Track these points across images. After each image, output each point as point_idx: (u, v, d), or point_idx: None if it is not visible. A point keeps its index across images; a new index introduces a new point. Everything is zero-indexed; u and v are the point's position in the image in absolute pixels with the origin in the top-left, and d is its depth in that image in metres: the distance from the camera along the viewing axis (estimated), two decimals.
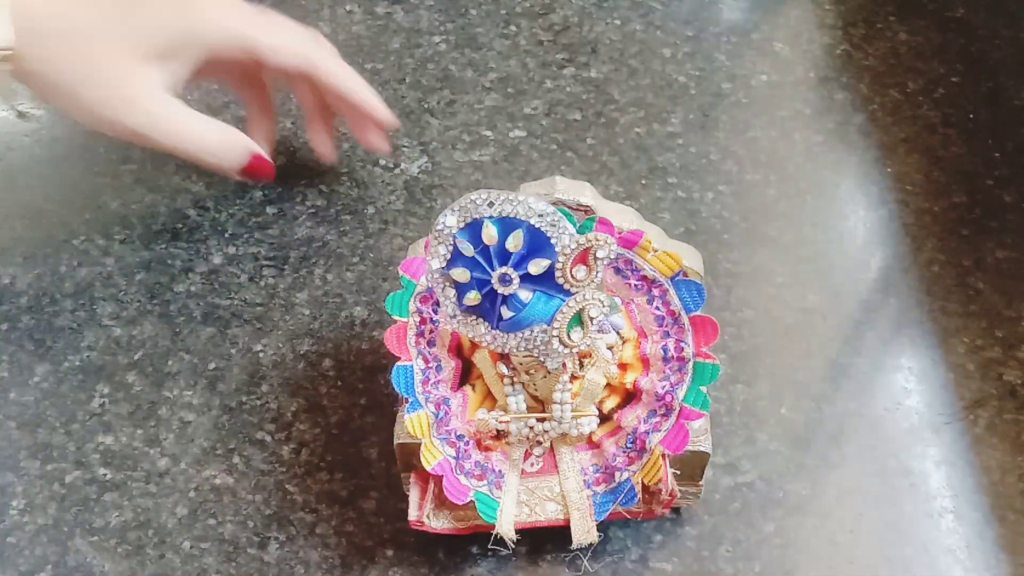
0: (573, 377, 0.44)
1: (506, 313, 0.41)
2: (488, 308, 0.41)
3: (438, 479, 0.44)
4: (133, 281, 0.56)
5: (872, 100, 0.65)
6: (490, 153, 0.62)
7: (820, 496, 0.49)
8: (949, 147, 0.62)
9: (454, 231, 0.40)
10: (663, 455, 0.44)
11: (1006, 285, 0.56)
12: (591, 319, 0.41)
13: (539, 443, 0.46)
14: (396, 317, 0.45)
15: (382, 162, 0.61)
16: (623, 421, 0.45)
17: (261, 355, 0.53)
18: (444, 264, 0.41)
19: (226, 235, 0.58)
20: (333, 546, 0.47)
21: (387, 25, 0.68)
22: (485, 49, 0.67)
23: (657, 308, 0.45)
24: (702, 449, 0.44)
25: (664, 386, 0.44)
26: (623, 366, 0.46)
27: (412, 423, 0.43)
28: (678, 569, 0.46)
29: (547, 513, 0.45)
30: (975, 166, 0.61)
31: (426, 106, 0.63)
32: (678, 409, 0.44)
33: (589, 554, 0.46)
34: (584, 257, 0.40)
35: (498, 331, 0.41)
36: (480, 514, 0.44)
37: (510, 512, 0.45)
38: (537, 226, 0.40)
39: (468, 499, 0.44)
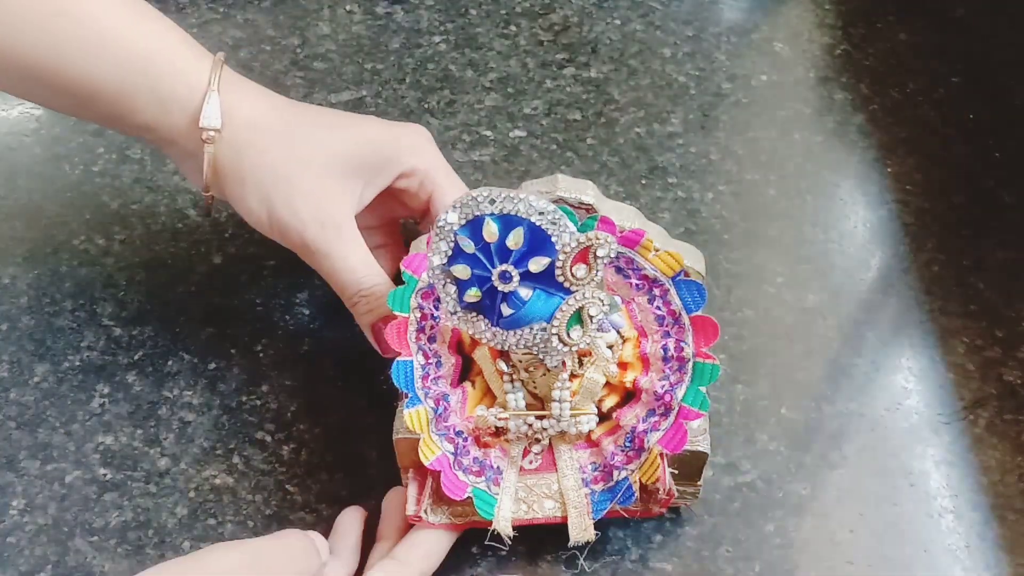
0: (572, 375, 0.44)
1: (506, 310, 0.41)
2: (488, 305, 0.41)
3: (436, 474, 0.44)
4: (133, 281, 0.56)
5: (872, 100, 0.65)
6: (490, 153, 0.62)
7: (820, 496, 0.49)
8: (949, 147, 0.62)
9: (455, 228, 0.40)
10: (661, 454, 0.44)
11: (1006, 285, 0.56)
12: (591, 317, 0.41)
13: (537, 440, 0.46)
14: (397, 313, 0.45)
15: None
16: (622, 420, 0.45)
17: (261, 355, 0.53)
18: (445, 261, 0.41)
19: (226, 235, 0.58)
20: None
21: (387, 25, 0.68)
22: (485, 49, 0.67)
23: (658, 307, 0.45)
24: (700, 449, 0.44)
25: (663, 385, 0.44)
26: (623, 365, 0.46)
27: (411, 418, 0.43)
28: (678, 569, 0.46)
29: (545, 511, 0.45)
30: (975, 166, 0.61)
31: (426, 106, 0.63)
32: (677, 409, 0.44)
33: (586, 552, 0.46)
34: (584, 255, 0.40)
35: (498, 328, 0.41)
36: (478, 510, 0.44)
37: (508, 509, 0.45)
38: (538, 224, 0.40)
39: (466, 495, 0.44)
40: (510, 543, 0.44)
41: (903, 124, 0.63)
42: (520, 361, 0.44)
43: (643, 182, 0.60)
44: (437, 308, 0.45)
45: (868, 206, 0.60)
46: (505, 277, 0.40)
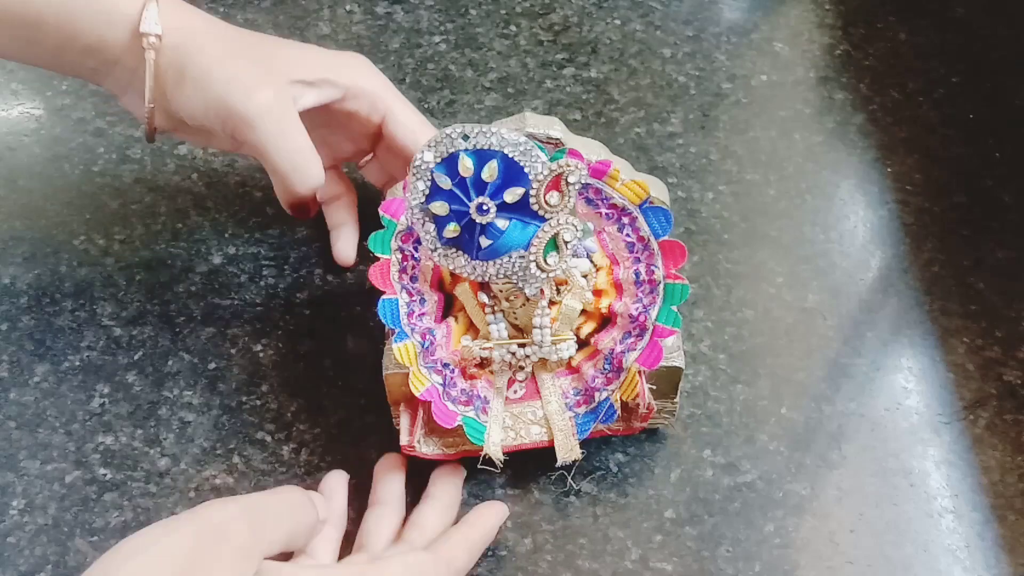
0: (551, 303, 0.46)
1: (484, 242, 0.43)
2: (467, 239, 0.43)
3: (427, 406, 0.45)
4: (133, 281, 0.56)
5: (872, 100, 0.65)
6: None
7: (820, 496, 0.49)
8: (949, 147, 0.62)
9: (431, 166, 0.42)
10: (639, 372, 0.45)
11: (1006, 285, 0.56)
12: (566, 243, 0.43)
13: (521, 368, 0.47)
14: (379, 255, 0.46)
15: None
16: (600, 344, 0.47)
17: (261, 355, 0.53)
18: (423, 199, 0.43)
19: (226, 235, 0.58)
20: None
21: (387, 25, 0.68)
22: (485, 49, 0.67)
23: (627, 235, 0.47)
24: (676, 364, 0.46)
25: (637, 308, 0.46)
26: (597, 292, 0.48)
27: (400, 352, 0.45)
28: (678, 569, 0.46)
29: (532, 436, 0.47)
30: (975, 166, 0.61)
31: (426, 106, 0.63)
32: (651, 328, 0.46)
33: (573, 472, 0.48)
34: (557, 183, 0.42)
35: (477, 260, 0.43)
36: (468, 437, 0.46)
37: (497, 435, 0.46)
38: (511, 156, 0.42)
39: (456, 423, 0.45)
40: (500, 467, 0.46)
41: (903, 124, 0.63)
42: (500, 291, 0.46)
43: None
44: (417, 249, 0.47)
45: (868, 206, 0.60)
46: (482, 209, 0.42)
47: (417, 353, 0.45)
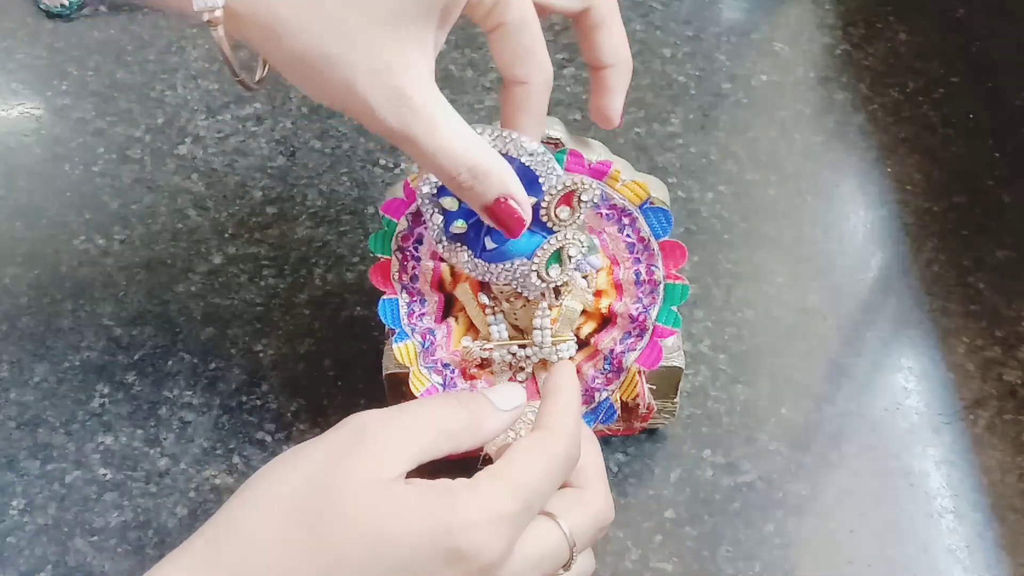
0: (551, 305, 0.46)
1: (489, 244, 0.42)
2: (473, 237, 0.43)
3: None
4: (133, 281, 0.56)
5: (872, 100, 0.65)
6: None
7: (820, 496, 0.49)
8: (949, 147, 0.62)
9: None
10: (639, 372, 0.45)
11: (1006, 285, 0.56)
12: (569, 257, 0.43)
13: (522, 369, 0.47)
14: (379, 255, 0.46)
15: (382, 162, 0.61)
16: (600, 344, 0.47)
17: (261, 355, 0.53)
18: (435, 191, 0.42)
19: (226, 235, 0.58)
20: None
21: None
22: (485, 49, 0.67)
23: (628, 236, 0.47)
24: (675, 364, 0.46)
25: (637, 308, 0.46)
26: (597, 293, 0.48)
27: (400, 352, 0.45)
28: (678, 569, 0.46)
29: None
30: (975, 166, 0.61)
31: None
32: (651, 328, 0.46)
33: None
34: (569, 199, 0.42)
35: (480, 260, 0.43)
36: None
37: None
38: (528, 164, 0.41)
39: None
40: None
41: (903, 124, 0.63)
42: (501, 292, 0.46)
43: None
44: (417, 250, 0.47)
45: (868, 206, 0.60)
46: None
47: (417, 353, 0.46)
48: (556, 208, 0.42)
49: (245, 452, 0.50)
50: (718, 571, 0.46)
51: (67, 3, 0.68)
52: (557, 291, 0.46)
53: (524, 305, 0.46)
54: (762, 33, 0.69)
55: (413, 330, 0.46)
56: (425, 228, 0.47)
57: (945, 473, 0.49)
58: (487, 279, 0.44)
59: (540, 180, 0.41)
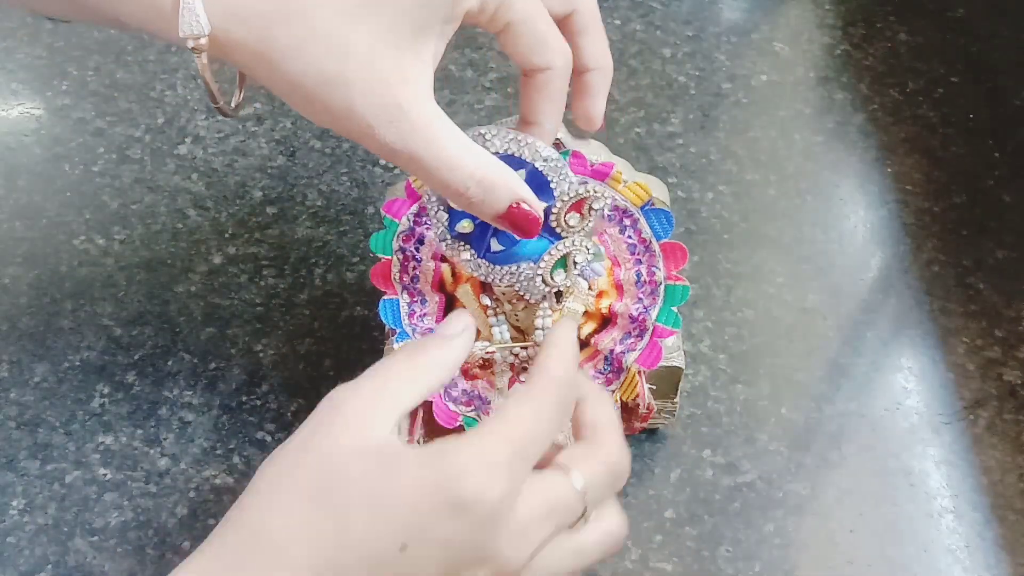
0: (552, 307, 0.46)
1: (495, 246, 0.42)
2: (478, 238, 0.42)
3: (428, 406, 0.45)
4: (133, 281, 0.56)
5: (872, 100, 0.65)
6: None
7: (820, 496, 0.49)
8: (949, 147, 0.62)
9: None
10: (639, 372, 0.45)
11: (1006, 285, 0.56)
12: (575, 264, 0.43)
13: (524, 369, 0.47)
14: (380, 255, 0.46)
15: (382, 162, 0.61)
16: (600, 345, 0.47)
17: (261, 355, 0.53)
18: None
19: (226, 235, 0.58)
20: None
21: None
22: (485, 49, 0.67)
23: (629, 237, 0.47)
24: (675, 364, 0.46)
25: (638, 309, 0.46)
26: (598, 293, 0.48)
27: None
28: (678, 569, 0.46)
29: None
30: (975, 166, 0.61)
31: None
32: (651, 328, 0.46)
33: None
34: (579, 206, 0.41)
35: (483, 260, 0.43)
36: None
37: None
38: (540, 170, 0.41)
39: (457, 423, 0.45)
40: None
41: (903, 124, 0.63)
42: (503, 293, 0.46)
43: None
44: (418, 250, 0.47)
45: (868, 206, 0.60)
46: None
47: None
48: (566, 214, 0.41)
49: (245, 452, 0.50)
50: (718, 571, 0.46)
51: None
52: (559, 294, 0.46)
53: (526, 307, 0.46)
54: (762, 33, 0.69)
55: (414, 330, 0.46)
56: (427, 229, 0.47)
57: (945, 473, 0.49)
58: (489, 280, 0.44)
59: (552, 185, 0.41)
